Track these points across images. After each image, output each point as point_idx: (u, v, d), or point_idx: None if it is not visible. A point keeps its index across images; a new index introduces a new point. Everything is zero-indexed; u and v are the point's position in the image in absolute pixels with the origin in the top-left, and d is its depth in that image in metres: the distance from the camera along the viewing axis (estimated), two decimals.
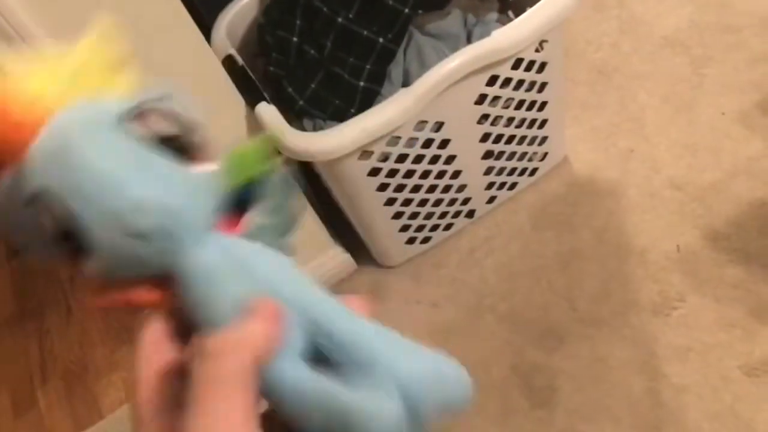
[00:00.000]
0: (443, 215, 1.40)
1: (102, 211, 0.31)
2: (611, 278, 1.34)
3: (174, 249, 0.33)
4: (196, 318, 0.34)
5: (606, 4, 1.74)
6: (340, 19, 1.16)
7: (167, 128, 0.35)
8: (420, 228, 1.40)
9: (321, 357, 0.34)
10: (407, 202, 1.31)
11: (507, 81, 1.19)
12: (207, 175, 0.35)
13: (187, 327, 0.36)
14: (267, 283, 0.35)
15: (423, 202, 1.33)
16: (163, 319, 0.37)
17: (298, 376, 0.33)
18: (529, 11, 1.12)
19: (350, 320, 0.35)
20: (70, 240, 0.32)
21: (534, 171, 1.46)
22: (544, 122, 1.35)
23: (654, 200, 1.40)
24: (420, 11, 1.21)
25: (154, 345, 0.37)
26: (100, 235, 0.31)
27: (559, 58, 1.25)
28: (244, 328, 0.32)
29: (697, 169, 1.41)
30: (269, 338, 0.32)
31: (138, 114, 0.35)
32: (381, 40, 1.16)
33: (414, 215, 1.35)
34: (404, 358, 0.34)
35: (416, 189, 1.29)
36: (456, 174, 1.31)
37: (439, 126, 1.19)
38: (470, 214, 1.45)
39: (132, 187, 0.31)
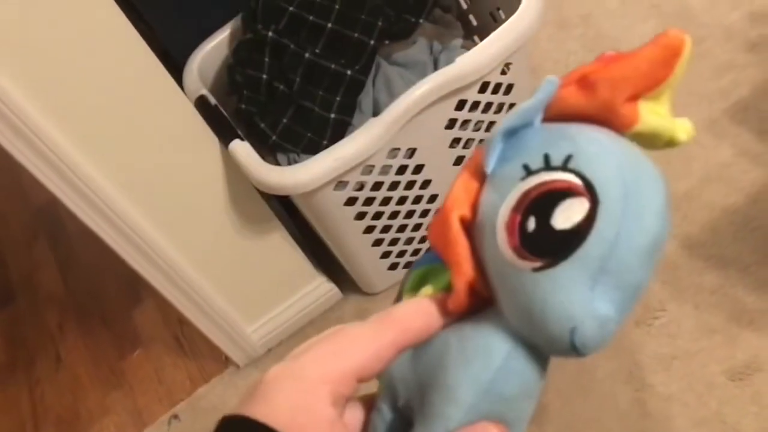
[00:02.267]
0: (423, 239, 1.42)
1: (583, 290, 0.29)
2: None
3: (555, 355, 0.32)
4: (450, 366, 0.32)
5: (570, 22, 1.78)
6: (307, 55, 1.18)
7: None
8: (401, 253, 1.42)
9: None
10: (386, 229, 1.32)
11: (475, 104, 1.22)
12: None
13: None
14: (522, 420, 0.33)
15: (402, 228, 1.35)
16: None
17: None
18: (491, 36, 1.14)
19: None
20: (544, 233, 0.29)
21: None
22: None
23: None
24: (386, 41, 1.24)
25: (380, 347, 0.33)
26: (561, 287, 0.29)
27: (525, 79, 1.28)
28: None
29: (670, 178, 1.39)
30: None
31: None
32: (349, 72, 1.18)
33: (394, 241, 1.37)
34: None
35: (394, 215, 1.30)
36: (433, 198, 1.33)
37: (411, 152, 1.21)
38: None
39: (620, 310, 0.30)
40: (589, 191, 0.29)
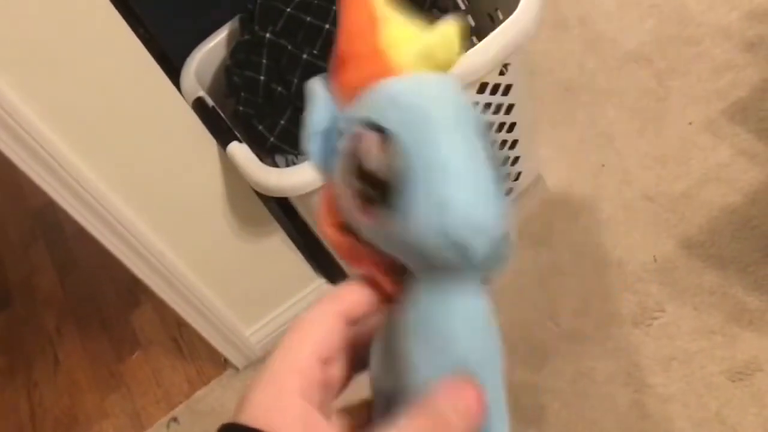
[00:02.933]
0: None
1: (433, 202, 0.29)
2: (591, 293, 1.35)
3: (469, 275, 0.32)
4: (396, 335, 0.33)
5: (568, 23, 1.78)
6: (305, 56, 1.18)
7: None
8: None
9: None
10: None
11: (473, 105, 1.21)
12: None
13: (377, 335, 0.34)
14: (489, 366, 0.33)
15: None
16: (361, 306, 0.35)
17: None
18: (489, 36, 1.14)
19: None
20: (374, 187, 0.30)
21: (509, 191, 1.48)
22: (514, 143, 1.37)
23: (628, 213, 1.42)
24: None
25: (326, 318, 0.34)
26: (417, 216, 0.30)
27: (523, 79, 1.28)
28: (450, 410, 0.31)
29: (668, 180, 1.43)
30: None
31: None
32: None
33: None
34: None
35: None
36: None
37: None
38: None
39: (477, 205, 0.30)
40: (378, 130, 0.31)
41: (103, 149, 1.09)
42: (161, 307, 1.58)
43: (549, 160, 1.55)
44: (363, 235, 0.33)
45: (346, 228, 0.34)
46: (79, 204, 1.10)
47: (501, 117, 1.29)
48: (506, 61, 1.19)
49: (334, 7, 1.18)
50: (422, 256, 0.31)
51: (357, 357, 0.36)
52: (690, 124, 1.50)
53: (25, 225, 2.22)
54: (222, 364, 1.54)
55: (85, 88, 1.03)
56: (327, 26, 1.18)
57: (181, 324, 1.63)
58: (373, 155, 0.31)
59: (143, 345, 1.71)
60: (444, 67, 0.35)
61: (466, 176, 0.30)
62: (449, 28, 0.34)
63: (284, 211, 1.41)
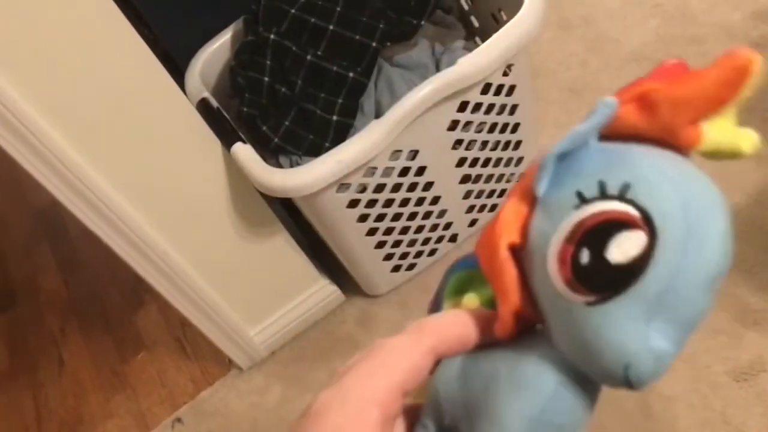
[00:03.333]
0: (426, 241, 1.42)
1: (639, 325, 0.27)
2: None
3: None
4: (501, 392, 0.31)
5: (572, 23, 1.78)
6: (309, 57, 1.18)
7: None
8: (404, 255, 1.41)
9: None
10: (389, 231, 1.32)
11: (477, 106, 1.21)
12: None
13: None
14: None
15: (405, 230, 1.35)
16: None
17: None
18: (493, 37, 1.14)
19: None
20: (598, 266, 0.27)
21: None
22: (518, 143, 1.37)
23: None
24: (388, 43, 1.24)
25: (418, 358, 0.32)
26: (616, 322, 0.27)
27: (527, 80, 1.28)
28: None
29: None
30: None
31: None
32: (351, 74, 1.19)
33: (397, 243, 1.37)
34: None
35: (397, 217, 1.30)
36: (435, 200, 1.33)
37: (414, 154, 1.21)
38: (453, 238, 1.46)
39: (677, 344, 0.28)
40: (647, 224, 0.27)
41: (107, 149, 1.09)
42: (165, 308, 1.58)
43: None
44: (532, 277, 0.31)
45: (516, 254, 0.32)
46: (83, 204, 1.10)
47: (505, 117, 1.29)
48: (510, 62, 1.19)
49: (338, 9, 1.18)
50: (586, 354, 0.29)
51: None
52: None
53: (28, 225, 2.22)
54: (226, 364, 1.55)
55: (90, 88, 1.03)
56: (331, 27, 1.18)
57: (185, 324, 1.63)
58: (626, 244, 0.27)
59: (147, 346, 1.71)
60: (714, 159, 0.33)
61: (683, 326, 0.28)
62: (749, 143, 0.32)
63: (288, 211, 1.42)
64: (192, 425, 1.52)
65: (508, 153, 1.37)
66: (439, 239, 1.44)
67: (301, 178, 1.11)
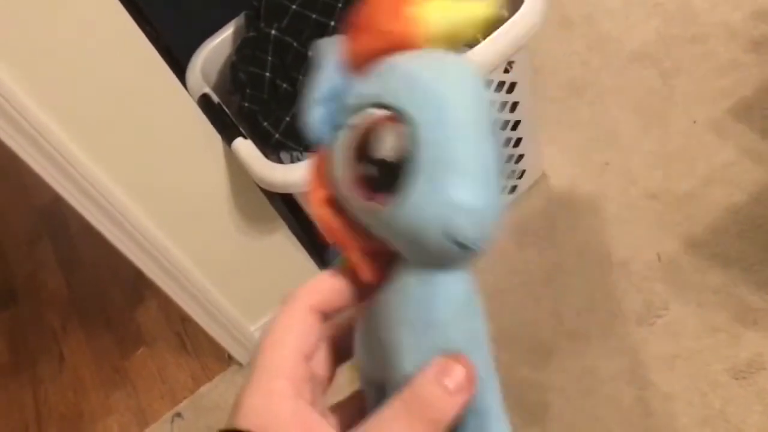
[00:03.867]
0: None
1: (441, 187, 0.29)
2: (595, 291, 1.35)
3: (452, 262, 0.31)
4: (381, 323, 0.33)
5: (574, 22, 1.78)
6: (310, 53, 1.19)
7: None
8: None
9: None
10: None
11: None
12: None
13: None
14: (476, 343, 0.33)
15: None
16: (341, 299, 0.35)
17: None
18: (495, 34, 1.14)
19: (504, 425, 0.34)
20: (380, 169, 0.30)
21: (513, 189, 1.48)
22: (519, 140, 1.37)
23: (632, 211, 1.42)
24: None
25: (306, 316, 0.34)
26: (419, 206, 0.29)
27: (528, 77, 1.28)
28: (440, 388, 0.30)
29: (672, 179, 1.43)
30: (455, 409, 0.30)
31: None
32: None
33: None
34: None
35: None
36: None
37: None
38: None
39: (481, 195, 0.29)
40: (401, 117, 0.30)
41: (108, 144, 1.09)
42: (165, 304, 1.58)
43: (553, 159, 1.55)
44: (355, 215, 0.33)
45: (336, 205, 0.34)
46: (84, 199, 1.11)
47: (505, 114, 1.29)
48: (511, 59, 1.19)
49: (339, 5, 1.18)
50: (416, 244, 0.30)
51: (338, 349, 0.37)
52: (695, 123, 1.49)
53: (30, 223, 2.22)
54: (226, 360, 1.55)
55: (92, 83, 1.03)
56: (333, 23, 1.18)
57: (185, 320, 1.63)
58: (384, 138, 0.30)
59: (147, 341, 1.71)
60: (459, 44, 0.34)
61: (474, 176, 0.29)
62: (482, 9, 0.33)
63: (288, 207, 1.42)
64: (192, 420, 1.52)
65: (509, 150, 1.37)
66: None
67: (302, 173, 1.11)
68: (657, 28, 1.69)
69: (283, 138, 1.22)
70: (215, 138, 1.19)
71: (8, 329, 1.97)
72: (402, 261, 0.32)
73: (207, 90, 1.23)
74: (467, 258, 0.31)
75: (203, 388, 1.54)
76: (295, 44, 1.19)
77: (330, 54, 0.34)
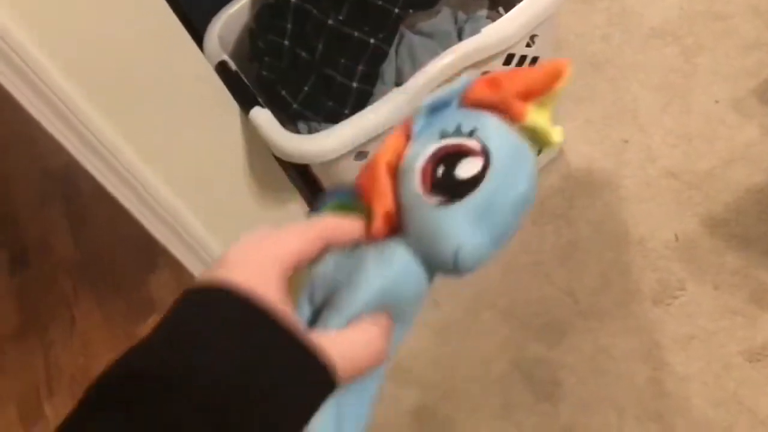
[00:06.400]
0: None
1: (471, 226, 0.38)
2: (611, 269, 1.34)
3: (442, 273, 0.40)
4: (355, 273, 0.39)
5: None
6: (330, 21, 1.16)
7: None
8: None
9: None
10: None
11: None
12: None
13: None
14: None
15: None
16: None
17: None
18: (518, 6, 1.12)
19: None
20: (451, 181, 0.38)
21: None
22: None
23: (650, 190, 1.40)
24: (410, 10, 1.21)
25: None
26: (450, 224, 0.38)
27: (550, 52, 1.26)
28: (380, 341, 0.38)
29: (692, 158, 1.41)
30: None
31: None
32: (372, 40, 1.17)
33: None
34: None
35: None
36: None
37: None
38: None
39: (494, 246, 0.39)
40: (485, 155, 0.39)
41: (125, 109, 1.08)
42: (178, 271, 1.58)
43: (571, 136, 1.53)
44: (401, 191, 0.41)
45: (392, 171, 0.42)
46: (99, 161, 1.09)
47: None
48: (534, 33, 1.17)
49: None
50: (429, 244, 0.39)
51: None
52: (716, 102, 1.47)
53: (42, 186, 2.22)
54: None
55: (109, 46, 1.01)
56: None
57: None
58: (471, 162, 0.39)
59: (159, 309, 1.71)
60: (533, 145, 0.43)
61: (499, 233, 0.39)
62: (556, 134, 0.43)
63: (303, 178, 1.41)
64: None
65: None
66: None
67: (320, 144, 1.09)
68: (680, 4, 1.66)
69: (301, 108, 1.20)
70: (232, 106, 1.18)
71: (19, 292, 1.97)
72: (405, 236, 0.40)
73: (225, 57, 1.21)
74: (448, 275, 0.40)
75: None
76: (315, 12, 1.17)
77: (458, 84, 0.44)
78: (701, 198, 1.35)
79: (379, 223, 0.41)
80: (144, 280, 1.79)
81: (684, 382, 1.18)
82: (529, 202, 0.40)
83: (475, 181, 0.38)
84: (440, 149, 0.40)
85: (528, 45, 1.21)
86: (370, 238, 0.41)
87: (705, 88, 1.51)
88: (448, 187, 0.38)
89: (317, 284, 0.41)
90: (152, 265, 1.80)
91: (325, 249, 0.40)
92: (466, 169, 0.38)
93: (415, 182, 0.39)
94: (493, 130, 0.40)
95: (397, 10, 1.17)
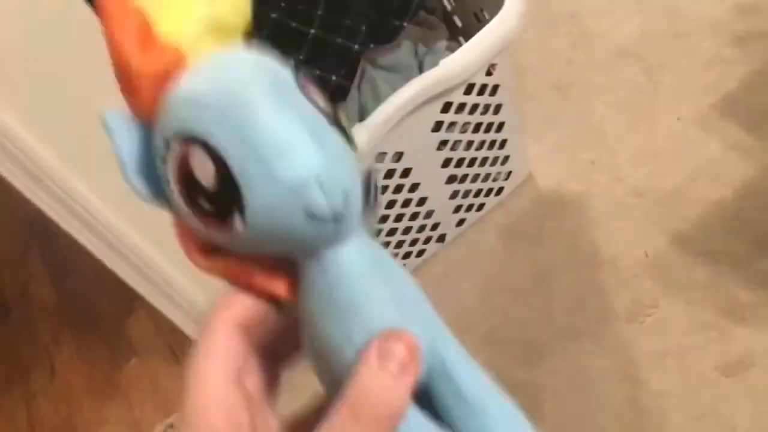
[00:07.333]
0: (414, 242, 1.42)
1: (274, 178, 0.28)
2: (585, 289, 1.35)
3: (333, 237, 0.30)
4: (310, 327, 0.32)
5: (557, 21, 1.78)
6: (291, 60, 1.18)
7: (322, 102, 0.32)
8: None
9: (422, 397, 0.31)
10: (376, 233, 1.32)
11: (461, 106, 1.21)
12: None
13: (282, 335, 0.34)
14: (405, 305, 0.32)
15: (392, 232, 1.35)
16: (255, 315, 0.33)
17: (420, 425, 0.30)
18: (475, 37, 1.14)
19: (473, 369, 0.33)
20: (211, 201, 0.29)
21: (500, 190, 1.48)
22: (504, 142, 1.37)
23: (619, 209, 1.42)
24: (371, 45, 1.23)
25: (230, 344, 0.33)
26: (262, 204, 0.28)
27: (510, 79, 1.28)
28: (384, 378, 0.28)
29: (659, 175, 1.43)
30: (407, 392, 0.28)
31: (301, 81, 0.32)
32: (333, 77, 1.18)
33: (384, 245, 1.37)
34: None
35: (383, 219, 1.30)
36: (422, 201, 1.33)
37: (399, 156, 1.21)
38: (441, 238, 1.46)
39: (314, 160, 0.28)
40: (195, 142, 0.29)
41: (91, 160, 1.08)
42: (156, 315, 1.58)
43: (539, 159, 1.55)
44: (230, 249, 0.32)
45: (212, 250, 0.33)
46: (69, 215, 1.10)
47: (489, 117, 1.29)
48: (493, 62, 1.19)
49: (318, 12, 1.17)
50: (287, 241, 0.30)
51: (273, 355, 0.36)
52: (679, 119, 1.49)
53: (18, 235, 2.22)
54: None
55: (68, 96, 1.02)
56: (312, 31, 1.18)
57: (176, 331, 1.63)
58: (198, 170, 0.29)
59: (139, 352, 1.71)
60: (234, 32, 0.33)
61: (293, 148, 0.28)
62: None
63: None
64: None
65: (494, 152, 1.37)
66: (427, 240, 1.44)
67: None
68: (640, 25, 1.69)
69: None
70: None
71: (0, 342, 1.96)
72: (298, 259, 0.32)
73: None
74: (341, 225, 0.30)
75: None
76: (276, 50, 1.19)
77: (113, 122, 0.32)
78: (669, 215, 1.37)
79: (273, 288, 0.33)
80: (123, 324, 1.79)
81: (661, 399, 1.19)
82: (279, 76, 0.31)
83: (215, 171, 0.29)
84: (179, 191, 0.31)
85: (488, 74, 1.23)
86: (286, 294, 0.34)
87: (668, 105, 1.53)
88: (222, 205, 0.30)
89: (317, 371, 0.35)
90: (130, 309, 1.79)
91: (251, 329, 0.34)
92: (202, 177, 0.29)
93: (217, 235, 0.31)
94: (174, 109, 0.30)
95: (357, 47, 1.19)
